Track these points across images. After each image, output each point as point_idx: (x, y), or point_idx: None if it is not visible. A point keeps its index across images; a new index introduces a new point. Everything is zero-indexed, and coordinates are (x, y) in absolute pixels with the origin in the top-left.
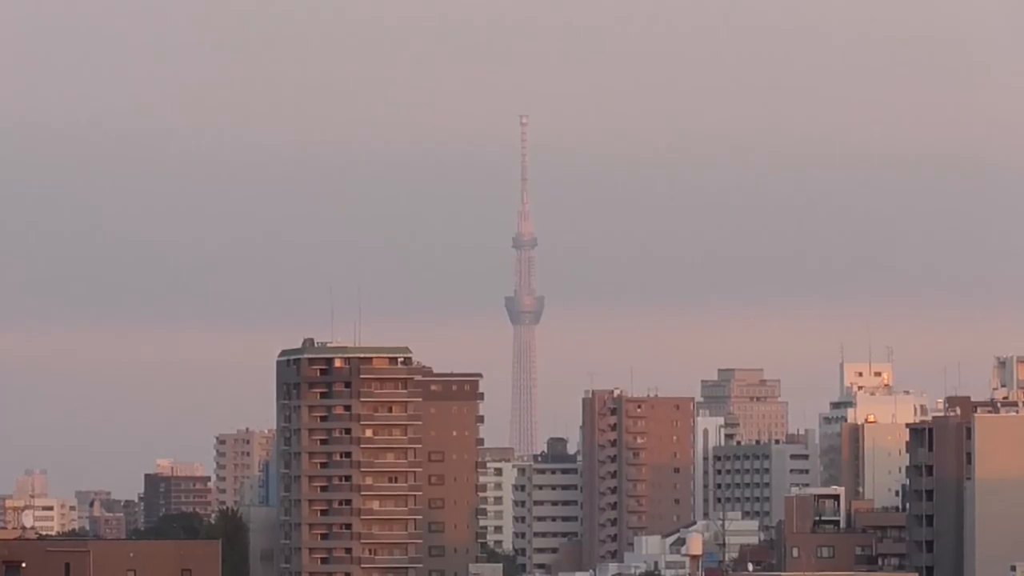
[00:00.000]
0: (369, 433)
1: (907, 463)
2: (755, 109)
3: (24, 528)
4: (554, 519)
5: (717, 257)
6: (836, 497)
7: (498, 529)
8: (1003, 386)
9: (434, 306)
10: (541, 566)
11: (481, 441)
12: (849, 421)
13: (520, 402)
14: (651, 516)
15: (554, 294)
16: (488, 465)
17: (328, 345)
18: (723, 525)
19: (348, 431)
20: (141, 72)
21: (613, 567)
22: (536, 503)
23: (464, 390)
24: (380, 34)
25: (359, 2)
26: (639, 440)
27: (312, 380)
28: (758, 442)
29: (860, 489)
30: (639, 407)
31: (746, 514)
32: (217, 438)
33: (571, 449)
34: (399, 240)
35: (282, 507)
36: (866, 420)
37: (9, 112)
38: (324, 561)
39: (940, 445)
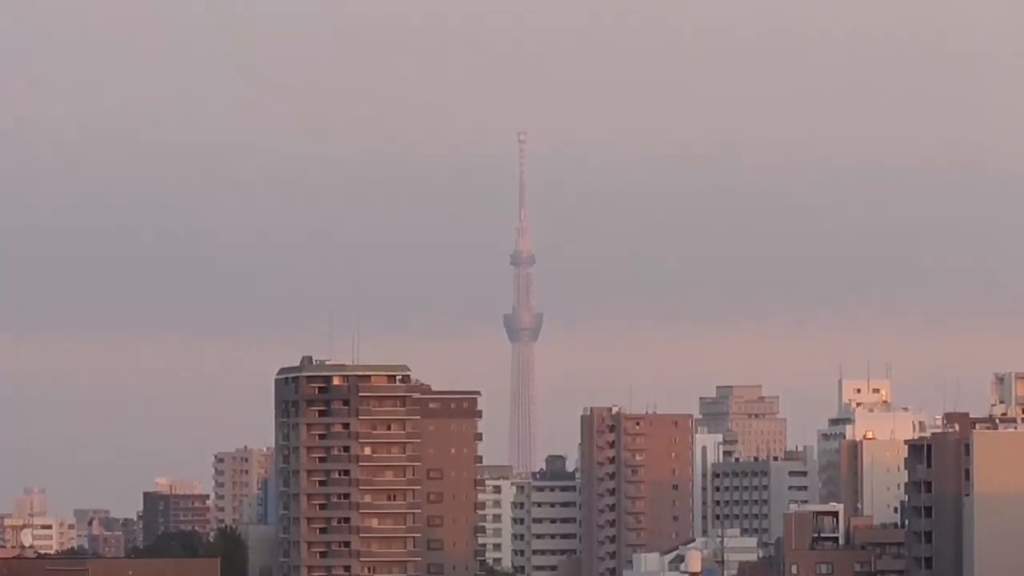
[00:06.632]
0: (368, 451)
1: (906, 479)
2: (755, 131)
3: (23, 547)
4: (553, 536)
5: (715, 275)
6: (835, 514)
7: (497, 546)
8: (1002, 402)
9: (433, 324)
10: None
11: (480, 459)
12: (848, 438)
13: (519, 419)
14: (650, 533)
15: (553, 311)
16: (487, 483)
17: (327, 363)
18: (722, 542)
19: (347, 449)
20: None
21: None
22: (535, 520)
23: (463, 408)
24: (377, 51)
25: (359, 15)
26: (638, 457)
27: (311, 398)
28: (757, 459)
29: (859, 506)
30: (638, 424)
31: (745, 531)
32: (216, 456)
33: (570, 466)
34: (397, 258)
35: (281, 525)
36: (865, 436)
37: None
38: None
39: (939, 461)
